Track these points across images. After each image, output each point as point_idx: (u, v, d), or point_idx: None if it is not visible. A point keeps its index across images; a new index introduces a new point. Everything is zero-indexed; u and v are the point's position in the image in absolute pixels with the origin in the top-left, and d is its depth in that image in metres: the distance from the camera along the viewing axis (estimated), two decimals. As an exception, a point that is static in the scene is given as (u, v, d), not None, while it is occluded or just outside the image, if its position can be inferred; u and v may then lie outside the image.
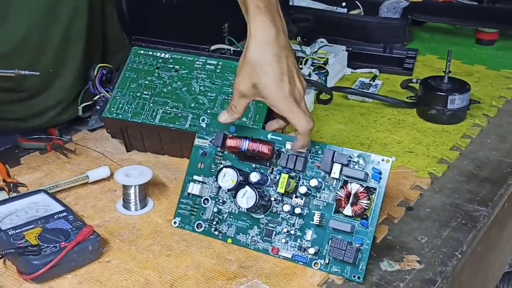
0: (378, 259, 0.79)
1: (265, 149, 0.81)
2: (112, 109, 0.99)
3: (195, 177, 0.85)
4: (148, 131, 0.99)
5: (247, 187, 0.78)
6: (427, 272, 0.77)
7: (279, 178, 0.80)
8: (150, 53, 1.04)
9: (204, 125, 0.86)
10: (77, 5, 1.02)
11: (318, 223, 0.78)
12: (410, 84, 1.26)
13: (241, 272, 0.77)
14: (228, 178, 0.79)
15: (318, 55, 1.29)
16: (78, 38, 1.05)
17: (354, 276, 0.75)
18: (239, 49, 1.09)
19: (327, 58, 1.27)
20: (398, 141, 1.08)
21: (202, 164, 0.86)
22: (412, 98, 1.20)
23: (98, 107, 1.03)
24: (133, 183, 0.87)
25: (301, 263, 0.78)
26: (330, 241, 0.77)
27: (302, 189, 0.79)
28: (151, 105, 0.99)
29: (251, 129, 0.87)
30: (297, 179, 0.80)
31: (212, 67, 1.01)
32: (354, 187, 0.77)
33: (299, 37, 1.31)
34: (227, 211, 0.83)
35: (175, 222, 0.85)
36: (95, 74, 1.04)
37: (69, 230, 0.78)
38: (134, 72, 1.02)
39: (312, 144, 0.81)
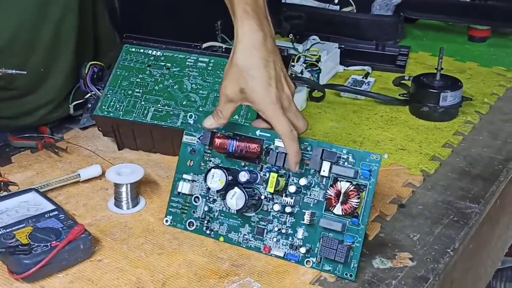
0: (370, 257, 0.79)
1: (253, 148, 0.80)
2: (104, 107, 0.99)
3: (185, 176, 0.84)
4: (139, 129, 0.99)
5: (236, 188, 0.78)
6: (419, 270, 0.77)
7: (269, 176, 0.79)
8: (142, 50, 1.04)
9: (191, 122, 0.85)
10: (67, 4, 1.02)
11: (308, 223, 0.77)
12: (402, 81, 1.26)
13: (233, 271, 0.76)
14: (216, 179, 0.79)
15: (311, 52, 1.29)
16: (69, 37, 1.04)
17: (346, 274, 0.75)
18: (231, 46, 1.09)
19: (320, 56, 1.27)
20: (390, 138, 1.08)
21: (192, 161, 0.85)
22: (405, 95, 1.20)
23: (90, 105, 1.02)
24: (125, 181, 0.86)
25: (293, 261, 0.78)
26: (321, 240, 0.77)
27: (292, 188, 0.78)
28: (143, 103, 0.99)
29: (240, 125, 0.86)
30: (287, 176, 0.80)
31: (204, 64, 1.01)
32: (344, 185, 0.76)
33: (291, 35, 1.31)
34: (218, 209, 0.83)
35: (166, 221, 0.85)
36: (86, 72, 1.04)
37: (60, 229, 0.78)
38: (125, 70, 1.02)
39: (301, 141, 0.79)
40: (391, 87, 1.27)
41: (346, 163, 0.77)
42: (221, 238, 0.82)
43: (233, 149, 0.80)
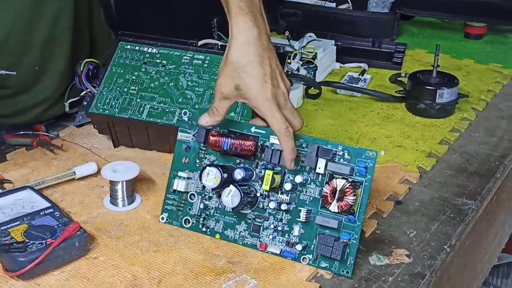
0: (367, 253, 0.79)
1: (248, 145, 0.79)
2: (99, 104, 0.99)
3: (180, 173, 0.83)
4: (135, 127, 0.98)
5: (231, 186, 0.77)
6: (416, 266, 0.77)
7: (264, 174, 0.79)
8: (137, 48, 1.03)
9: (186, 119, 0.85)
10: (62, 4, 1.01)
11: (304, 220, 0.77)
12: (398, 79, 1.26)
13: (229, 268, 0.76)
14: (211, 177, 0.78)
15: (307, 49, 1.29)
16: (64, 36, 1.03)
17: (342, 271, 0.75)
18: (227, 44, 1.09)
19: (316, 53, 1.27)
20: (387, 135, 1.08)
21: (187, 158, 0.84)
22: (401, 92, 1.20)
23: (85, 103, 1.02)
24: (121, 178, 0.86)
25: (290, 258, 0.78)
26: (317, 237, 0.76)
27: (287, 186, 0.78)
28: (138, 100, 0.98)
29: (235, 122, 0.85)
30: (282, 174, 0.79)
31: (200, 62, 1.00)
32: (339, 183, 0.75)
33: (287, 32, 1.31)
34: (213, 207, 0.82)
35: (162, 218, 0.84)
36: (81, 69, 1.03)
37: (56, 226, 0.77)
38: (120, 67, 1.02)
39: (297, 138, 0.79)
40: (388, 84, 1.27)
41: (341, 160, 0.77)
42: (217, 235, 0.81)
43: (228, 147, 0.79)
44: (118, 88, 1.00)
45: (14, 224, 0.77)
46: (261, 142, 0.81)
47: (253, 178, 0.80)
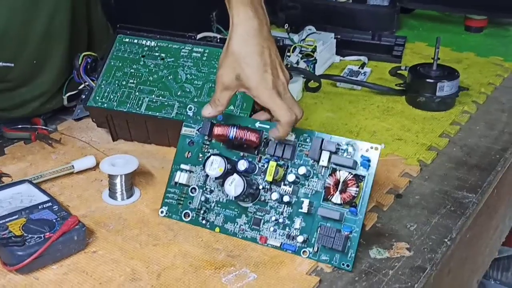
0: (367, 247, 0.79)
1: (252, 136, 0.80)
2: (97, 98, 0.98)
3: (182, 166, 0.84)
4: (134, 120, 0.98)
5: (235, 175, 0.77)
6: (416, 259, 0.77)
7: (267, 167, 0.79)
8: (136, 41, 1.02)
9: (191, 114, 0.85)
10: None
11: (306, 211, 0.77)
12: (399, 72, 1.26)
13: (229, 261, 0.76)
14: (215, 166, 0.78)
15: (306, 42, 1.28)
16: (62, 30, 1.03)
17: (343, 264, 0.75)
18: (226, 37, 1.08)
19: (316, 46, 1.26)
20: (387, 128, 1.07)
21: (190, 153, 0.85)
22: (401, 85, 1.19)
23: (83, 96, 1.01)
24: (119, 172, 0.86)
25: (290, 252, 0.77)
26: (319, 229, 0.76)
27: (291, 177, 0.78)
28: (137, 93, 0.98)
29: (238, 117, 0.86)
30: (285, 167, 0.80)
31: (199, 55, 1.00)
32: (343, 174, 0.76)
33: (287, 25, 1.30)
34: (214, 200, 0.82)
35: (162, 212, 0.84)
36: (79, 62, 1.03)
37: (54, 220, 0.77)
38: (119, 60, 1.01)
39: (301, 132, 0.80)
40: (388, 77, 1.27)
41: (345, 154, 0.77)
42: (217, 229, 0.81)
43: (234, 135, 0.79)
44: (117, 82, 0.99)
45: (12, 218, 0.77)
46: (265, 137, 0.81)
47: (255, 172, 0.80)
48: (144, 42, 1.02)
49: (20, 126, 1.03)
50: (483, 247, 1.07)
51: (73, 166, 0.92)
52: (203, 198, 0.82)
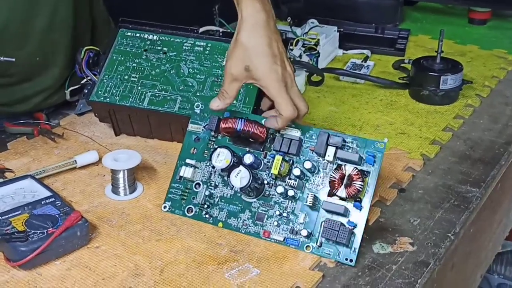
0: (370, 242, 0.78)
1: (259, 130, 0.80)
2: (100, 92, 0.98)
3: (188, 161, 0.84)
4: (136, 115, 0.98)
5: (241, 167, 0.78)
6: (419, 254, 0.77)
7: (273, 162, 0.79)
8: (138, 35, 1.02)
9: (198, 111, 0.86)
10: None
11: (311, 205, 0.77)
12: (402, 65, 1.25)
13: (232, 257, 0.76)
14: (222, 158, 0.79)
15: (309, 36, 1.28)
16: (64, 26, 1.02)
17: (346, 259, 0.75)
18: (228, 31, 1.08)
19: (318, 39, 1.26)
20: (390, 122, 1.07)
21: (195, 149, 0.85)
22: (404, 78, 1.19)
23: (86, 91, 1.01)
24: (122, 167, 0.85)
25: (293, 247, 0.77)
26: (323, 223, 0.76)
27: (296, 171, 0.78)
28: (139, 88, 0.97)
29: (245, 114, 0.86)
30: (291, 162, 0.80)
31: (201, 48, 0.99)
32: (348, 168, 0.76)
33: (289, 18, 1.29)
34: (218, 195, 0.82)
35: (165, 207, 0.84)
36: (81, 57, 1.02)
37: (57, 215, 0.77)
38: (121, 54, 1.01)
39: (306, 130, 0.80)
40: (391, 71, 1.26)
41: (350, 150, 0.78)
42: (220, 224, 0.81)
43: (241, 127, 0.80)
44: (119, 76, 0.99)
45: (15, 214, 0.77)
46: (271, 132, 0.82)
47: (261, 167, 0.80)
48: (146, 36, 1.02)
49: (22, 121, 1.03)
50: (487, 241, 1.06)
51: (75, 161, 0.92)
52: (207, 193, 0.82)
